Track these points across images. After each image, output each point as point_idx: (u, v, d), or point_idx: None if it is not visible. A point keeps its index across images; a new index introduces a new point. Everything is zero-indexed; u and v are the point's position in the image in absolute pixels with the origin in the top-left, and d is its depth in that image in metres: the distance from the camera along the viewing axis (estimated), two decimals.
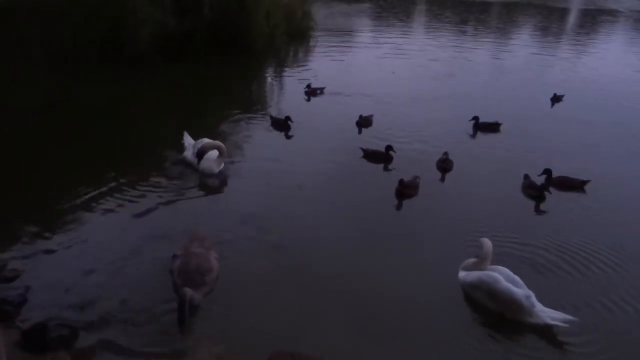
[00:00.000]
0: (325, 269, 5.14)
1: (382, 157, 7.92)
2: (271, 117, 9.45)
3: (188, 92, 11.45)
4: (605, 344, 4.37)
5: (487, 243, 5.03)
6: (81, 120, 9.26)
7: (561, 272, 5.37)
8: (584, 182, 7.27)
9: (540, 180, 7.25)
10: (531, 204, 6.92)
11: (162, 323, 4.24)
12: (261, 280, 4.91)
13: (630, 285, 5.16)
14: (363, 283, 4.95)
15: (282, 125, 9.08)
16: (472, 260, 5.10)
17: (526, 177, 7.25)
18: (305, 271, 5.09)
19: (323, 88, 11.35)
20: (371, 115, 9.63)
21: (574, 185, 7.31)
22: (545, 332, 4.46)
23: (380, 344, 4.25)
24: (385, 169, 7.80)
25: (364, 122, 9.45)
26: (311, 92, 11.16)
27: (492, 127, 9.52)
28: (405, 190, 6.82)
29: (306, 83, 11.39)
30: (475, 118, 9.54)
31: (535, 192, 7.03)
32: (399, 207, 6.72)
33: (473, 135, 9.46)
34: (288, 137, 8.91)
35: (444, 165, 7.74)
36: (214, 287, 4.67)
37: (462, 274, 5.11)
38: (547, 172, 7.38)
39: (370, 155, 7.99)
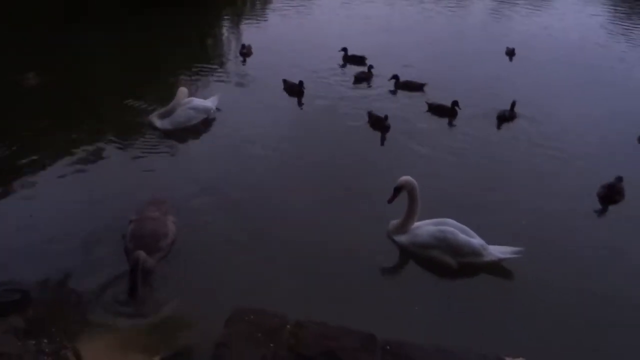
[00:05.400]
0: (284, 229, 5.13)
1: (447, 111, 8.06)
2: (285, 81, 8.81)
3: (140, 45, 10.98)
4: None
5: (408, 180, 4.92)
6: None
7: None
8: (423, 85, 8.94)
9: None
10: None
11: (118, 287, 4.16)
12: (221, 241, 4.89)
13: None
14: (321, 241, 4.97)
15: (296, 91, 8.58)
16: (397, 221, 5.02)
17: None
18: (265, 232, 5.07)
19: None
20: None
21: (415, 87, 8.95)
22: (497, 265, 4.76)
23: (340, 299, 4.31)
24: (450, 124, 7.94)
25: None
26: (246, 53, 10.64)
27: (359, 60, 10.23)
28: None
29: (241, 44, 10.90)
30: (344, 49, 10.33)
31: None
32: (355, 162, 6.69)
33: (343, 66, 10.13)
34: (300, 104, 8.49)
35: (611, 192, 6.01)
36: (169, 251, 4.61)
37: (402, 238, 4.95)
38: (395, 77, 8.98)
39: (436, 109, 8.11)
